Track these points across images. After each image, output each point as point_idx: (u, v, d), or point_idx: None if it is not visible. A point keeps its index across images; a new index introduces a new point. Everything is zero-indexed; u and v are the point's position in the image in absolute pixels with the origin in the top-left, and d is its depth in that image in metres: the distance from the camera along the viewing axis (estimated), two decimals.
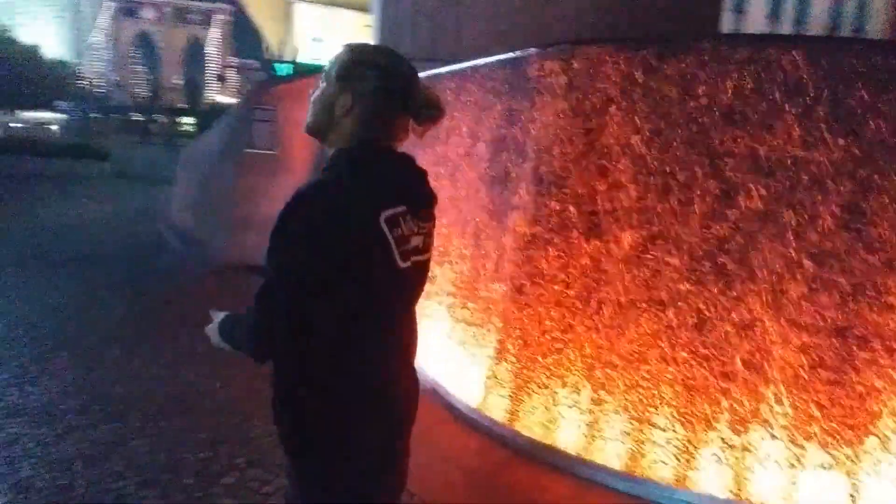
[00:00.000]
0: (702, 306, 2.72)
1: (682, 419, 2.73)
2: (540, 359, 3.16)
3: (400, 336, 1.45)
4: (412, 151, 1.46)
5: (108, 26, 65.89)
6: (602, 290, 2.98)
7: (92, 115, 33.39)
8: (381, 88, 1.35)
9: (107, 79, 53.64)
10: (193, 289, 7.23)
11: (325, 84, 1.39)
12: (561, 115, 3.20)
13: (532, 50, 3.43)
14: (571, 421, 3.02)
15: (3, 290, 6.51)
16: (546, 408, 3.12)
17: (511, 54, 3.58)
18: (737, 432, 2.62)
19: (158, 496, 2.84)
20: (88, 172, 18.81)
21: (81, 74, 48.86)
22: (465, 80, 3.97)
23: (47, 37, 59.81)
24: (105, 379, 4.22)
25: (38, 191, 15.39)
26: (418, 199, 1.42)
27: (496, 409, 3.33)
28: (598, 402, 2.95)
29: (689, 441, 2.71)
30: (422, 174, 1.47)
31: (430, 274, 1.53)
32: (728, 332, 2.67)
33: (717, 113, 2.72)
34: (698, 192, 2.75)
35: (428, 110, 1.40)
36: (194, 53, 59.75)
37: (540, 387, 3.16)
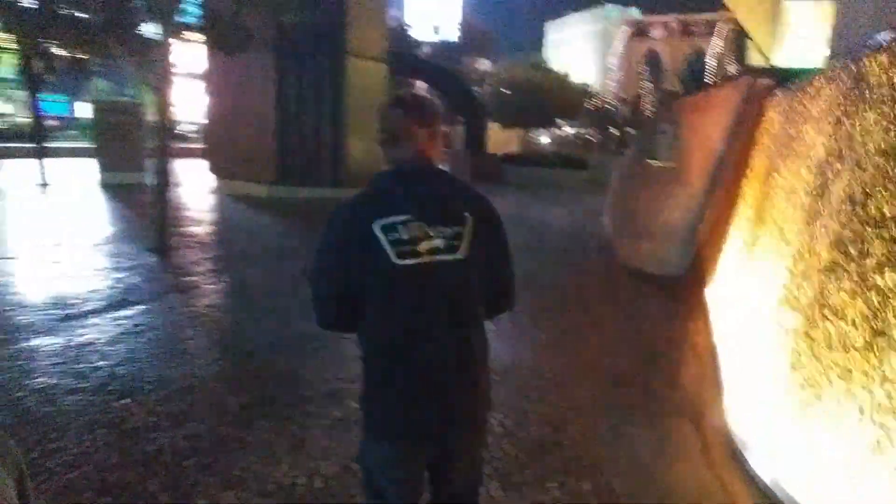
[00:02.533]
0: None
1: None
2: None
3: (431, 343, 1.78)
4: None
5: (622, 48, 71.69)
6: None
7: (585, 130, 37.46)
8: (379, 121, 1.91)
9: (616, 96, 58.29)
10: (591, 286, 8.13)
11: None
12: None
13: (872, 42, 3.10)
14: None
15: None
16: None
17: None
18: None
19: None
20: (567, 180, 21.60)
21: (597, 94, 53.88)
22: None
23: (578, 64, 68.89)
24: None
25: (525, 196, 18.44)
26: (429, 209, 1.76)
27: None
28: None
29: None
30: (447, 187, 1.86)
31: (488, 273, 1.87)
32: None
33: None
34: None
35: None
36: (695, 64, 60.31)
37: None
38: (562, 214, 14.60)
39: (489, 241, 1.85)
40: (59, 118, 39.22)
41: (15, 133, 26.09)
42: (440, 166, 1.92)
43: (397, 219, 1.73)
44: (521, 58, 46.10)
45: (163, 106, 8.71)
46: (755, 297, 4.37)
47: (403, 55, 26.07)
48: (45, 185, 15.16)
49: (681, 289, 7.50)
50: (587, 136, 34.95)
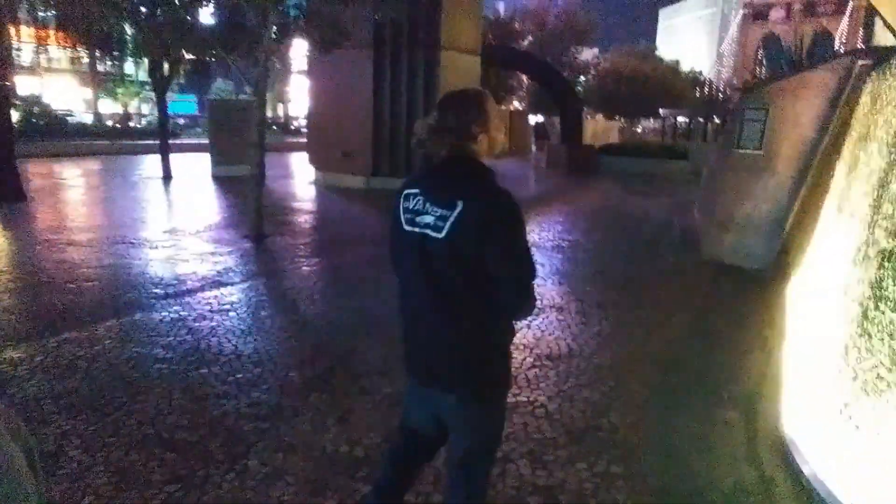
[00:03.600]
0: None
1: None
2: None
3: (417, 298, 2.07)
4: None
5: (737, 32, 67.72)
6: None
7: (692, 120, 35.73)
8: None
9: (728, 83, 55.28)
10: (668, 279, 7.90)
11: None
12: None
13: None
14: None
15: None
16: None
17: None
18: None
19: None
20: (668, 171, 20.83)
21: (708, 82, 51.44)
22: None
23: (690, 51, 65.91)
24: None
25: (620, 188, 17.98)
26: (432, 188, 1.99)
27: None
28: None
29: None
30: (451, 173, 2.00)
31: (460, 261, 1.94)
32: None
33: None
34: None
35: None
36: (819, 47, 55.95)
37: None
38: (656, 206, 14.15)
39: (483, 238, 1.88)
40: (187, 117, 42.33)
41: (151, 131, 28.52)
42: (482, 159, 2.04)
43: (411, 191, 2.05)
44: (631, 46, 44.61)
45: (261, 102, 9.26)
46: (827, 290, 4.13)
47: (497, 47, 25.94)
48: (168, 177, 16.46)
49: (763, 282, 7.14)
50: (692, 126, 33.39)
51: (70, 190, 14.78)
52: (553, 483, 3.18)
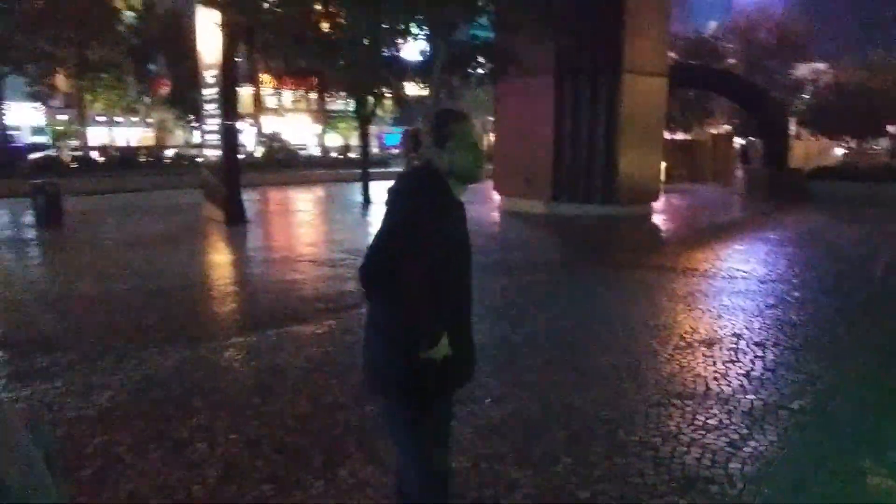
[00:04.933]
0: None
1: None
2: None
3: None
4: None
5: None
6: None
7: None
8: None
9: None
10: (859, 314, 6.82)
11: None
12: None
13: None
14: None
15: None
16: None
17: None
18: None
19: None
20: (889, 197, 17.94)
21: None
22: None
23: None
24: None
25: (827, 215, 15.91)
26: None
27: None
28: None
29: None
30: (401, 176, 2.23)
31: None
32: None
33: None
34: None
35: None
36: None
37: None
38: (864, 235, 12.26)
39: None
40: (395, 147, 45.65)
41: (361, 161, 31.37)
42: (416, 163, 2.26)
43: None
44: (853, 58, 39.47)
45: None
46: None
47: (687, 67, 24.25)
48: (367, 202, 17.82)
49: None
50: None
51: (284, 214, 16.65)
52: None
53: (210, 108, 14.06)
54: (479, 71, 15.05)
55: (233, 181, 14.06)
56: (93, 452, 3.60)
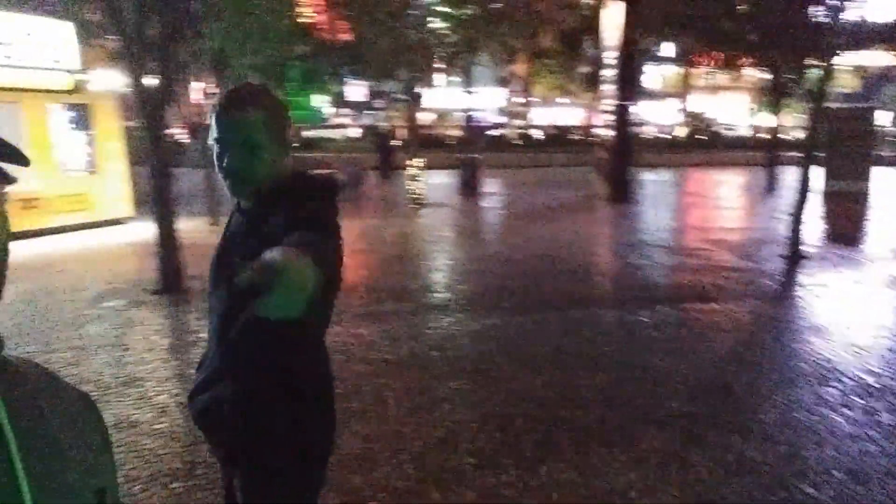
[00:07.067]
0: None
1: None
2: None
3: None
4: None
5: None
6: None
7: None
8: None
9: None
10: None
11: None
12: None
13: None
14: None
15: None
16: None
17: None
18: None
19: None
20: None
21: None
22: None
23: None
24: None
25: None
26: None
27: None
28: None
29: None
30: None
31: None
32: None
33: None
34: None
35: None
36: None
37: None
38: None
39: None
40: None
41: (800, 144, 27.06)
42: None
43: None
44: None
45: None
46: None
47: None
48: (771, 189, 15.55)
49: None
50: None
51: (676, 196, 15.74)
52: None
53: (607, 88, 14.12)
54: None
55: (622, 161, 13.93)
56: (369, 391, 4.08)
